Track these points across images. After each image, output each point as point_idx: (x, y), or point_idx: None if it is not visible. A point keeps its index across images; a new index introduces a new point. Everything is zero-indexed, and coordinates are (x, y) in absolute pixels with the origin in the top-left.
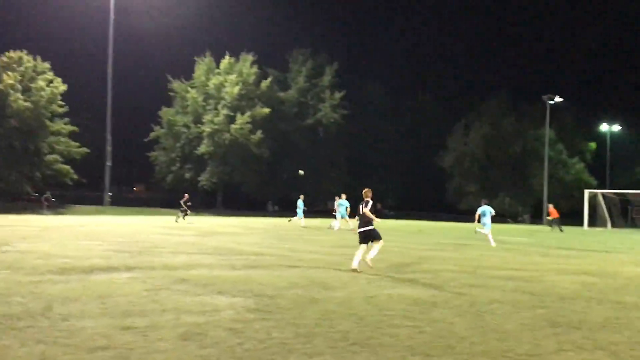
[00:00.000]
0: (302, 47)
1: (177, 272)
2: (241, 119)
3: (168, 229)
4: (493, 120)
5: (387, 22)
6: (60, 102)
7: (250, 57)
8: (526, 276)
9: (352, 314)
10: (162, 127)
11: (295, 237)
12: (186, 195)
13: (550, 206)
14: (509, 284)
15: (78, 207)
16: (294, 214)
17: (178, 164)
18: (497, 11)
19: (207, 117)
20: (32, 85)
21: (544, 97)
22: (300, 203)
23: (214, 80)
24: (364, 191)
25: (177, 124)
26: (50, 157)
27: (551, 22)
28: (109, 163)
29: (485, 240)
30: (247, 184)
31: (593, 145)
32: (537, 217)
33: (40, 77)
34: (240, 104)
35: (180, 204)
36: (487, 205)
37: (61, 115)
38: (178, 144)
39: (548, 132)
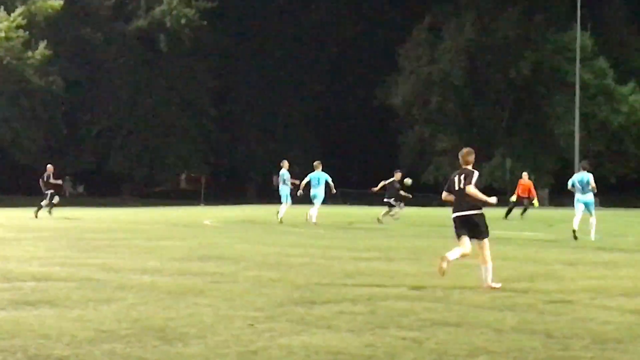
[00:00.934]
0: None
1: None
2: (6, 21)
3: None
4: (482, 16)
5: None
6: None
7: None
8: (539, 302)
9: None
10: None
11: (116, 244)
12: (50, 167)
13: (524, 177)
14: (508, 318)
15: None
16: (115, 197)
17: None
18: None
19: None
20: None
21: None
22: (284, 174)
23: None
24: (462, 153)
25: None
26: None
27: None
28: None
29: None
30: (22, 146)
31: None
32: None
33: None
34: None
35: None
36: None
37: None
38: None
39: (580, 37)
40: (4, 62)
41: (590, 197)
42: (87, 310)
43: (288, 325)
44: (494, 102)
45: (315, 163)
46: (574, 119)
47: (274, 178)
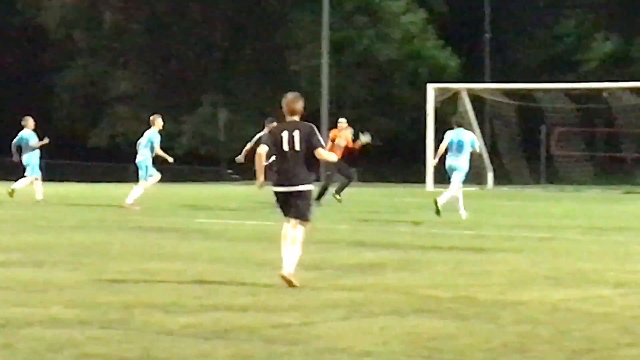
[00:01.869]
0: None
1: None
2: None
3: None
4: None
5: None
6: None
7: None
8: (262, 327)
9: None
10: None
11: None
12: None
13: (342, 123)
14: (219, 349)
15: None
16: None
17: None
18: None
19: None
20: None
21: None
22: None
23: None
24: (287, 99)
25: None
26: None
27: None
28: None
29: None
30: None
31: None
32: None
33: None
34: None
35: None
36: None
37: None
38: None
39: None
40: None
41: (460, 162)
42: None
43: None
44: (202, 25)
45: None
46: (320, 49)
47: None
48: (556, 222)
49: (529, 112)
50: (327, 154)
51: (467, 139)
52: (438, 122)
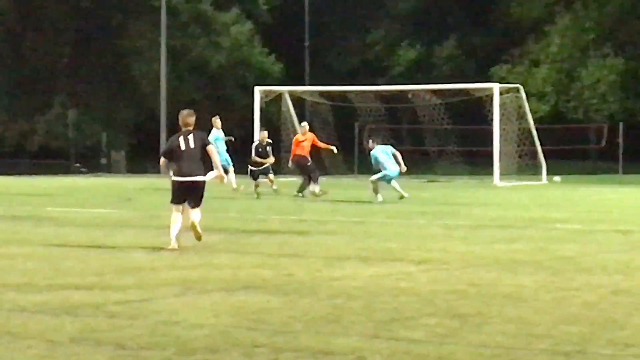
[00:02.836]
0: None
1: None
2: None
3: None
4: None
5: None
6: None
7: None
8: (108, 302)
9: None
10: None
11: None
12: None
13: (304, 127)
14: (67, 325)
15: None
16: None
17: None
18: None
19: None
20: None
21: None
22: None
23: None
24: (183, 114)
25: None
26: None
27: None
28: None
29: None
30: None
31: None
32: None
33: None
34: None
35: None
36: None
37: None
38: None
39: None
40: None
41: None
42: None
43: None
44: (51, 33)
45: None
46: (159, 55)
47: None
48: (368, 207)
49: (344, 111)
50: (214, 151)
51: None
52: (263, 121)
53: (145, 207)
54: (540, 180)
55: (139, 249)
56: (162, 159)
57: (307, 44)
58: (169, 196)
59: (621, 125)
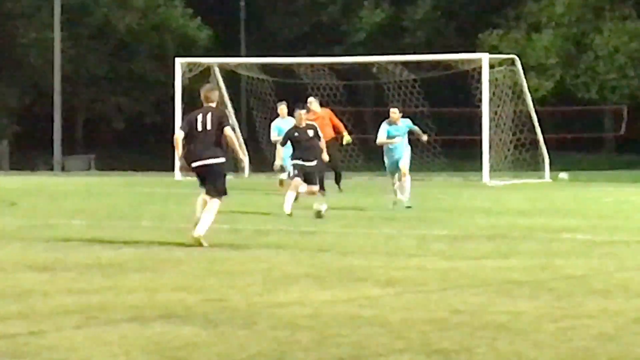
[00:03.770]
0: None
1: None
2: None
3: None
4: None
5: None
6: None
7: None
8: None
9: None
10: None
11: None
12: None
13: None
14: None
15: None
16: None
17: None
18: None
19: None
20: None
21: None
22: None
23: None
24: (204, 89)
25: None
26: None
27: None
28: None
29: None
30: None
31: None
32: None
33: None
34: None
35: None
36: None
37: None
38: None
39: None
40: None
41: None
42: None
43: None
44: None
45: None
46: (52, 18)
47: None
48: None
49: (290, 89)
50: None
51: None
52: (187, 101)
53: (34, 214)
54: (541, 177)
55: (26, 268)
56: (178, 134)
57: (242, 3)
58: (63, 200)
59: None
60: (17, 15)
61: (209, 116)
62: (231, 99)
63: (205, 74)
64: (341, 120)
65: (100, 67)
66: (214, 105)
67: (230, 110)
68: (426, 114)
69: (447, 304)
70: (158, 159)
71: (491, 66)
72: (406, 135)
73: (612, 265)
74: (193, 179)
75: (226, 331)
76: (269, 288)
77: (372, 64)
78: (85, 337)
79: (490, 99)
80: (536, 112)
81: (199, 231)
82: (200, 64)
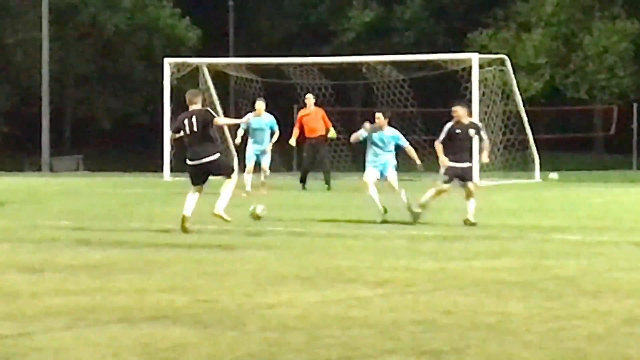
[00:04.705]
0: None
1: None
2: None
3: None
4: None
5: None
6: None
7: None
8: None
9: None
10: None
11: None
12: None
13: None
14: None
15: None
16: None
17: None
18: None
19: None
20: None
21: None
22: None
23: None
24: (188, 95)
25: None
26: None
27: None
28: None
29: None
30: None
31: None
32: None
33: None
34: None
35: None
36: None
37: None
38: None
39: None
40: None
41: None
42: None
43: None
44: None
45: None
46: (40, 17)
47: None
48: (309, 213)
49: (279, 90)
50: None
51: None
52: (175, 102)
53: (22, 215)
54: (531, 177)
55: (14, 269)
56: (171, 134)
57: (231, 3)
58: (50, 201)
59: (635, 106)
60: (4, 15)
61: (193, 119)
62: (220, 99)
63: (194, 74)
64: (330, 121)
65: (88, 68)
66: (197, 106)
67: (219, 111)
68: (415, 114)
69: (437, 304)
70: (146, 160)
71: (481, 66)
72: (393, 152)
73: (602, 265)
74: (182, 180)
75: (215, 332)
76: (258, 289)
77: (361, 64)
78: (74, 338)
79: (480, 99)
80: (526, 112)
81: (219, 208)
82: (188, 64)
